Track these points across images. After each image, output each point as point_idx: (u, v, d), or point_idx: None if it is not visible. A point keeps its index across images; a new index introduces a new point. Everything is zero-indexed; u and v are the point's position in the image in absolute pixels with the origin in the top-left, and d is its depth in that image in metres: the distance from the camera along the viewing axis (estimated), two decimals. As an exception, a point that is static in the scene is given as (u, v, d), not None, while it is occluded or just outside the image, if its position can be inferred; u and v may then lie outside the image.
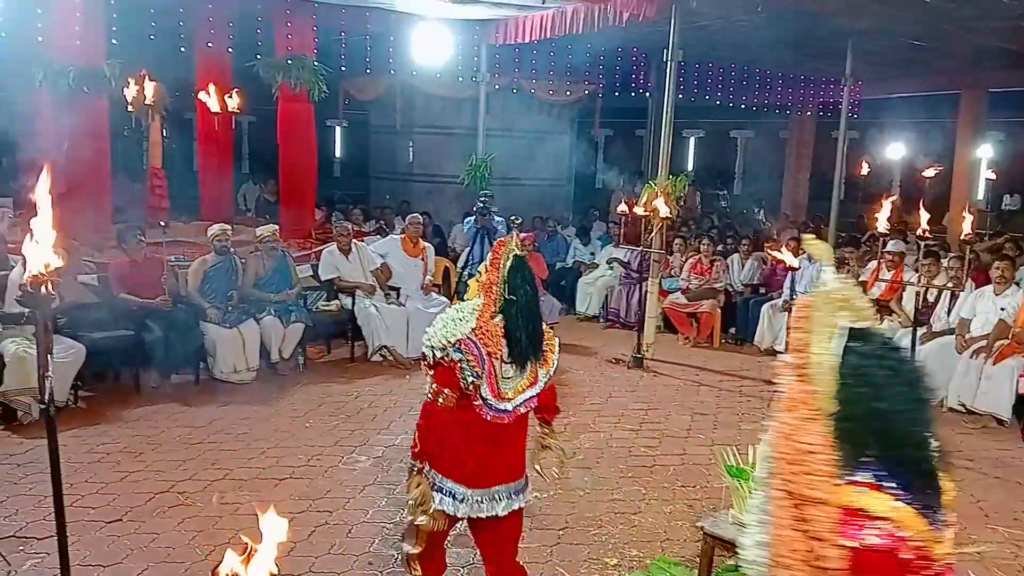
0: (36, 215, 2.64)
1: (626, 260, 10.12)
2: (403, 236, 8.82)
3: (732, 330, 9.58)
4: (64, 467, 2.87)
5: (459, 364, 2.91)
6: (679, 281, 9.72)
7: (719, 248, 10.41)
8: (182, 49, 9.66)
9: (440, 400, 2.95)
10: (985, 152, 14.58)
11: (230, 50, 9.80)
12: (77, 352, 6.10)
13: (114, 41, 8.45)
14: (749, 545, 1.87)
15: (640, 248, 8.79)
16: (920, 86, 14.50)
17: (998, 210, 16.09)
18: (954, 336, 7.13)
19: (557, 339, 3.25)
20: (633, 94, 13.42)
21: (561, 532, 4.54)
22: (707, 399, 7.26)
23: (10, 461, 5.19)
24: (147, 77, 8.22)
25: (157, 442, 5.66)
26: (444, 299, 8.38)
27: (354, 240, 8.46)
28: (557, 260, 11.37)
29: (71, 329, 6.30)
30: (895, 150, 16.09)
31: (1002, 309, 6.89)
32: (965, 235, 6.62)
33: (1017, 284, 7.17)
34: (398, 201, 13.05)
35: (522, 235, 9.76)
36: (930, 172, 9.97)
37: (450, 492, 3.03)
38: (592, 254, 11.50)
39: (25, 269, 2.73)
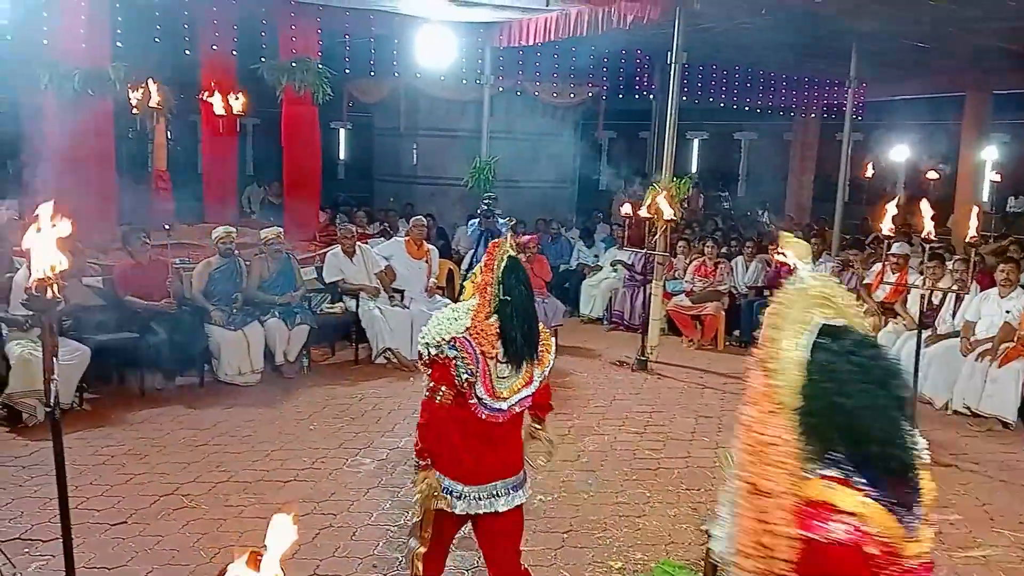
0: (41, 223, 2.65)
1: (630, 262, 10.12)
2: (407, 238, 8.83)
3: (736, 332, 9.57)
4: (69, 469, 2.88)
5: (454, 361, 2.96)
6: (683, 283, 9.71)
7: (723, 250, 10.39)
8: (187, 52, 9.67)
9: (438, 397, 3.00)
10: (990, 154, 14.57)
11: (235, 53, 9.82)
12: (82, 354, 6.12)
13: (119, 44, 8.47)
14: (720, 537, 1.89)
15: (644, 250, 8.79)
16: (924, 88, 14.49)
17: (1003, 212, 16.08)
18: (959, 339, 7.12)
19: (553, 339, 3.28)
20: (637, 96, 13.43)
21: (565, 535, 4.54)
22: (711, 402, 7.25)
23: (15, 463, 5.20)
24: (152, 80, 8.24)
25: (161, 444, 5.67)
26: (448, 301, 8.38)
27: (358, 242, 8.48)
28: (561, 262, 11.36)
29: (76, 331, 6.33)
30: (899, 152, 16.09)
31: (1007, 312, 6.88)
32: (970, 237, 6.61)
33: (1022, 287, 7.14)
34: (402, 203, 13.06)
35: (525, 237, 9.76)
36: (933, 174, 10.01)
37: (448, 490, 3.06)
38: (596, 256, 11.50)
39: (30, 272, 2.73)
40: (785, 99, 14.76)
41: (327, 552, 4.23)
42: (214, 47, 9.62)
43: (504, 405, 3.04)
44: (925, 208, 5.74)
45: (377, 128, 14.85)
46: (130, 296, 6.84)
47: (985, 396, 6.69)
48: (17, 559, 3.95)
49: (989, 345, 6.79)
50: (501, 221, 8.67)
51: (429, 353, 3.02)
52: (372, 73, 11.79)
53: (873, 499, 1.64)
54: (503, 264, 3.09)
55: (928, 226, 5.77)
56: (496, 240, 3.22)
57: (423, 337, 3.04)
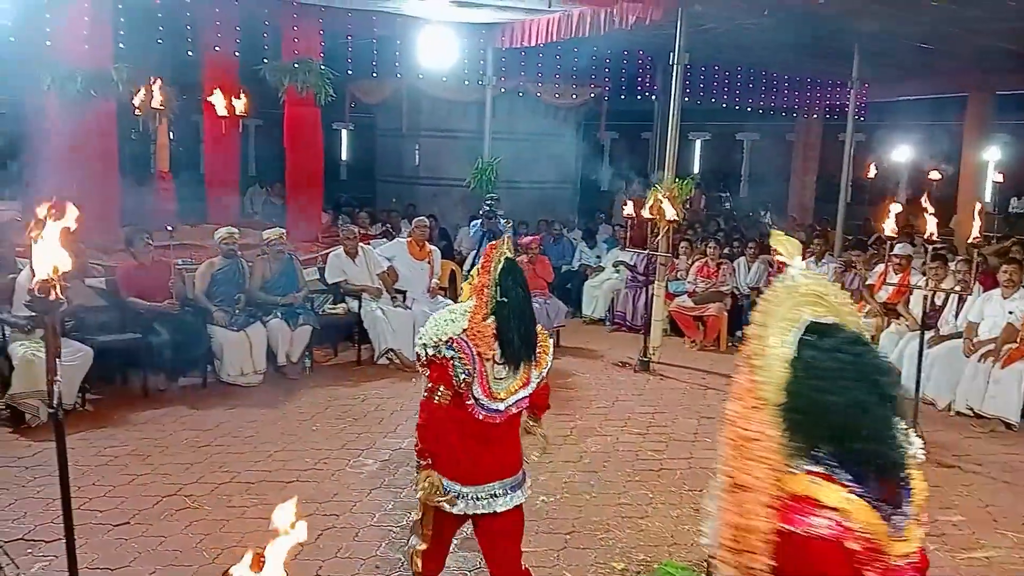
0: (43, 221, 2.65)
1: (632, 263, 10.11)
2: (409, 239, 8.83)
3: (739, 333, 9.53)
4: (72, 470, 2.88)
5: (451, 362, 2.99)
6: (685, 284, 9.70)
7: (725, 251, 10.39)
8: (189, 53, 9.68)
9: (436, 397, 3.03)
10: (992, 155, 14.54)
11: (237, 53, 9.82)
12: (85, 355, 6.13)
13: (121, 45, 8.47)
14: (707, 531, 1.90)
15: (646, 251, 8.79)
16: (927, 88, 14.47)
17: (1005, 212, 16.05)
18: (962, 340, 7.11)
19: (551, 341, 3.31)
20: (639, 97, 13.42)
21: (568, 536, 4.54)
22: (714, 403, 7.24)
23: (18, 464, 5.21)
24: (154, 81, 8.24)
25: (164, 445, 5.67)
26: (450, 302, 8.36)
27: (360, 243, 8.48)
28: (563, 263, 11.36)
29: (79, 332, 6.34)
30: (902, 153, 16.07)
31: (1010, 312, 6.87)
32: (973, 238, 6.61)
33: (1025, 287, 7.14)
34: (404, 204, 13.06)
35: (528, 238, 9.76)
36: (935, 175, 9.98)
37: (447, 490, 3.08)
38: (598, 257, 11.49)
39: (33, 273, 2.73)
40: (787, 100, 14.74)
41: (330, 553, 4.23)
42: (216, 48, 9.63)
43: (501, 406, 3.07)
44: (928, 209, 5.74)
45: (379, 129, 14.85)
46: (133, 297, 6.85)
47: (988, 397, 6.68)
48: (20, 559, 3.95)
49: (992, 346, 6.79)
50: (502, 223, 8.66)
51: (427, 354, 3.06)
52: (374, 74, 11.79)
53: (857, 495, 1.64)
54: (500, 266, 3.11)
55: (931, 227, 5.77)
56: (493, 242, 3.24)
57: (420, 338, 3.09)
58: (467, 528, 3.31)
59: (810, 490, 1.65)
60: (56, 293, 2.66)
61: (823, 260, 9.83)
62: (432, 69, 11.21)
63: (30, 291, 2.71)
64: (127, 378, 6.92)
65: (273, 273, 7.64)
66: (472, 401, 3.02)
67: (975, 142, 13.55)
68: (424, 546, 3.20)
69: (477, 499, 3.10)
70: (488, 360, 3.03)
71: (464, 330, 3.03)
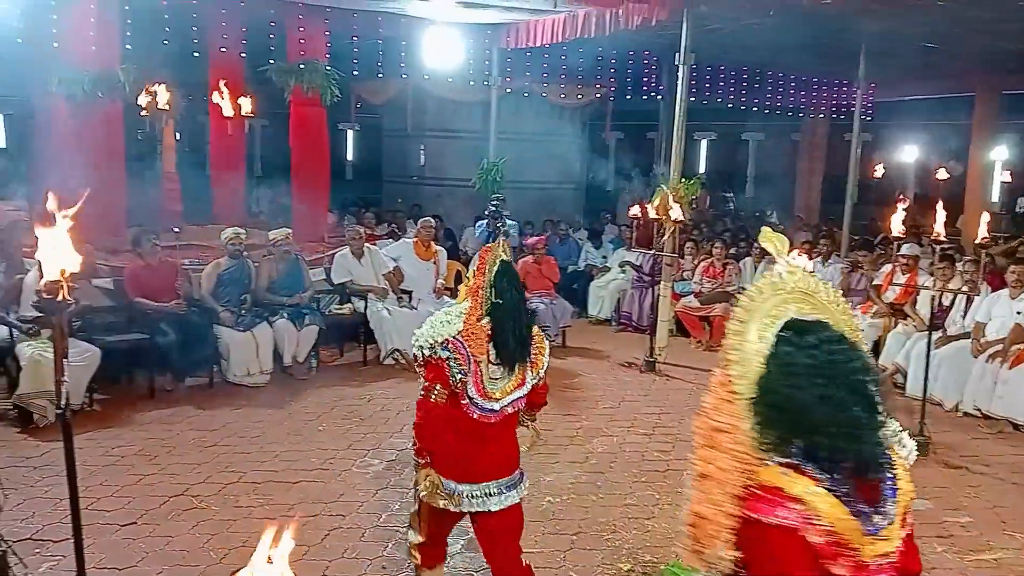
0: (51, 221, 2.65)
1: (638, 263, 10.10)
2: (415, 239, 8.85)
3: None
4: (79, 470, 2.88)
5: (447, 362, 3.05)
6: (691, 284, 9.69)
7: (731, 251, 10.37)
8: (195, 54, 9.70)
9: (433, 396, 3.09)
10: (1000, 154, 14.49)
11: (243, 54, 9.84)
12: (92, 355, 6.14)
13: (128, 46, 8.50)
14: (682, 519, 1.94)
15: (652, 251, 8.78)
16: (934, 88, 14.43)
17: (1013, 212, 15.99)
18: (969, 340, 7.09)
19: (547, 343, 3.37)
20: (644, 97, 13.40)
21: (574, 537, 4.53)
22: (720, 403, 7.22)
23: (26, 464, 5.23)
24: (161, 82, 8.27)
25: (171, 445, 5.68)
26: (456, 302, 8.38)
27: (366, 243, 8.49)
28: (569, 263, 11.35)
29: (86, 332, 6.36)
30: (909, 152, 16.02)
31: (1018, 313, 6.84)
32: (980, 238, 6.59)
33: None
34: (410, 204, 13.07)
35: (533, 239, 9.73)
36: (943, 175, 9.93)
37: (440, 484, 3.15)
38: (604, 257, 11.48)
39: (41, 274, 2.74)
40: (793, 100, 14.69)
41: (336, 553, 4.24)
42: (222, 49, 9.65)
43: (496, 406, 3.12)
44: (939, 211, 5.73)
45: (385, 129, 14.87)
46: (139, 297, 6.87)
47: (996, 398, 6.65)
48: (29, 559, 3.96)
49: (1000, 347, 6.76)
50: (515, 223, 8.68)
51: (423, 354, 3.13)
52: (380, 75, 11.79)
53: (825, 489, 1.65)
54: (495, 268, 3.18)
55: (939, 226, 5.75)
56: (488, 244, 3.30)
57: (417, 339, 3.16)
58: (470, 531, 3.33)
59: (779, 481, 1.67)
60: (64, 294, 2.66)
61: (830, 260, 9.81)
62: (437, 69, 11.20)
63: (38, 292, 2.71)
64: (134, 378, 6.95)
65: (279, 273, 7.65)
66: (467, 401, 3.08)
67: (982, 142, 13.51)
68: (420, 539, 3.30)
69: (472, 497, 3.15)
70: (481, 361, 3.09)
71: (460, 331, 3.10)
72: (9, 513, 4.51)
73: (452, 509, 3.17)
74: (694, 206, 10.52)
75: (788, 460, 1.69)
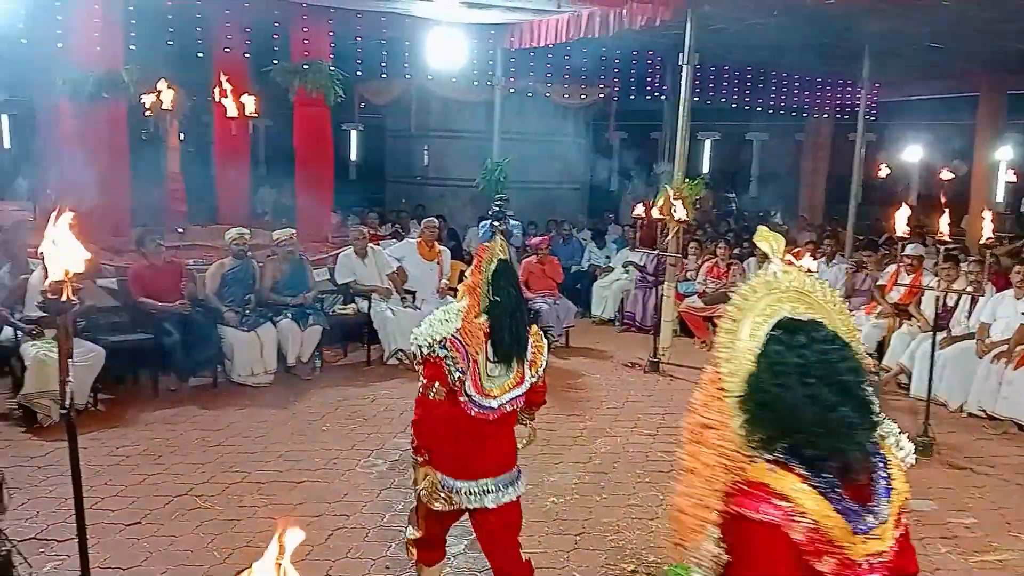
0: (55, 221, 2.66)
1: (642, 264, 10.09)
2: (419, 240, 8.85)
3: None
4: (84, 470, 2.89)
5: (445, 360, 3.08)
6: (695, 284, 9.68)
7: (735, 251, 10.35)
8: (199, 54, 9.72)
9: (431, 393, 3.12)
10: (1004, 154, 14.45)
11: (247, 55, 9.86)
12: (96, 355, 6.16)
13: (132, 47, 8.52)
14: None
15: (656, 252, 8.77)
16: (938, 88, 14.40)
17: (1017, 212, 15.94)
18: (974, 341, 7.07)
19: (546, 342, 3.40)
20: (648, 97, 13.40)
21: (578, 537, 4.53)
22: (724, 403, 7.21)
23: (31, 463, 5.24)
24: (165, 82, 8.28)
25: (175, 445, 5.69)
26: (459, 302, 8.38)
27: (370, 244, 8.50)
28: (572, 263, 11.35)
29: (90, 332, 6.37)
30: (913, 152, 15.99)
31: (1022, 313, 6.82)
32: (985, 239, 6.57)
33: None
34: (413, 205, 13.07)
35: (537, 239, 9.71)
36: (947, 175, 9.89)
37: (441, 484, 3.18)
38: (607, 257, 11.48)
39: (46, 274, 2.74)
40: (797, 99, 14.67)
41: (340, 553, 4.24)
42: (227, 49, 9.67)
43: (494, 403, 3.14)
44: (944, 213, 5.72)
45: (389, 129, 14.87)
46: (144, 297, 6.88)
47: (1001, 398, 6.63)
48: (33, 559, 3.96)
49: (1005, 347, 6.74)
50: (519, 223, 8.67)
51: (421, 352, 3.16)
52: (384, 75, 11.81)
53: (811, 487, 1.65)
54: (492, 266, 3.21)
55: (943, 226, 5.74)
56: (485, 244, 3.29)
57: (415, 338, 3.18)
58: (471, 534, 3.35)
59: (766, 477, 1.67)
60: (68, 294, 2.67)
61: (834, 260, 9.79)
62: (441, 70, 11.21)
63: (43, 292, 2.72)
64: (138, 378, 6.96)
65: (283, 274, 7.66)
66: (465, 398, 3.10)
67: (987, 142, 13.47)
68: (419, 534, 3.34)
69: (470, 493, 3.17)
70: (480, 357, 3.12)
71: (458, 329, 3.12)
72: (14, 513, 4.51)
73: (450, 508, 3.19)
74: (698, 206, 10.51)
75: (776, 457, 1.70)
